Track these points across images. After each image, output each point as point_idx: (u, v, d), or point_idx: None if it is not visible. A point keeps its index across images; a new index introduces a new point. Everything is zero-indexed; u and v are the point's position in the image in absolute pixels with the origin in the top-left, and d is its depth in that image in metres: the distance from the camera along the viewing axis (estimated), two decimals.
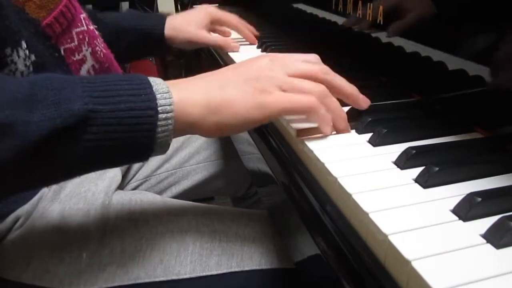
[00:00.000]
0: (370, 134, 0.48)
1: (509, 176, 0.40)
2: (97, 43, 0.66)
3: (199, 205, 0.66)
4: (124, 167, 0.82)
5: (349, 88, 0.50)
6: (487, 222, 0.33)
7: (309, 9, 0.88)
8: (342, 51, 0.77)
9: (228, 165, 0.94)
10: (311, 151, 0.45)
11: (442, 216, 0.35)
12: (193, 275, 0.57)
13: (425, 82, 0.58)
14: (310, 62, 0.50)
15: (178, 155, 0.91)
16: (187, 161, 0.91)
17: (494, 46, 0.46)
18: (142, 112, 0.40)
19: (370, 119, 0.49)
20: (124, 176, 0.83)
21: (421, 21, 0.57)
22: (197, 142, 0.93)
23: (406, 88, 0.60)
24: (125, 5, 2.10)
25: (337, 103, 0.48)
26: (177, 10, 1.71)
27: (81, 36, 0.62)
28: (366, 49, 0.70)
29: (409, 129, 0.48)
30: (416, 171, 0.40)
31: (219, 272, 0.58)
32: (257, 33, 0.91)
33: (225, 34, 0.92)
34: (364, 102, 0.51)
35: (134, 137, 0.40)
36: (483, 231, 0.32)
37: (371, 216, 0.35)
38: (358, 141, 0.48)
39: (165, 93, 0.41)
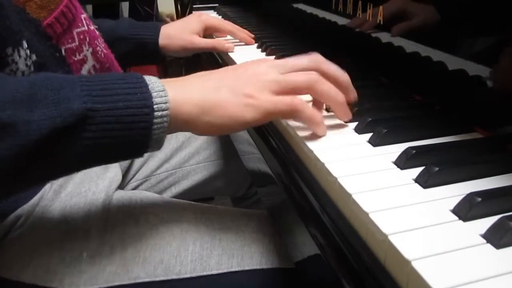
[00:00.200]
0: (370, 134, 0.48)
1: (509, 176, 0.40)
2: (97, 43, 0.66)
3: (199, 204, 0.66)
4: (124, 167, 0.82)
5: (342, 76, 0.51)
6: (487, 222, 0.33)
7: (309, 9, 0.88)
8: (342, 51, 0.77)
9: (228, 165, 0.94)
10: (311, 151, 0.45)
11: (442, 216, 0.35)
12: (194, 274, 0.57)
13: (425, 82, 0.58)
14: (302, 57, 0.50)
15: (178, 155, 0.91)
16: (187, 161, 0.91)
17: (494, 46, 0.46)
18: (138, 110, 0.41)
19: (370, 119, 0.49)
20: (124, 176, 0.83)
21: (421, 21, 0.57)
22: (197, 142, 0.93)
23: (406, 88, 0.60)
24: (125, 5, 2.10)
25: (333, 89, 0.48)
26: (177, 10, 1.71)
27: (82, 36, 0.62)
28: (366, 49, 0.70)
29: (409, 129, 0.48)
30: (416, 171, 0.40)
31: (220, 271, 0.58)
32: (252, 35, 0.92)
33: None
34: (353, 94, 0.51)
35: (131, 134, 0.41)
36: (483, 231, 0.33)
37: (371, 216, 0.35)
38: (358, 141, 0.48)
39: (161, 91, 0.43)
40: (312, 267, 0.43)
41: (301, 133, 0.49)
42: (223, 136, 0.94)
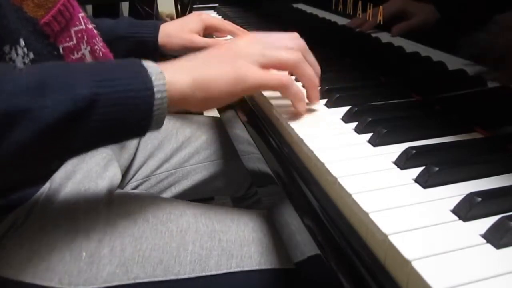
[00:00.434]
0: (370, 134, 0.48)
1: (509, 176, 0.40)
2: (95, 42, 0.66)
3: (198, 205, 0.66)
4: (124, 167, 0.82)
5: (317, 69, 0.56)
6: (487, 222, 0.33)
7: (309, 9, 0.88)
8: (342, 51, 0.77)
9: (228, 165, 0.94)
10: (311, 151, 0.45)
11: (442, 216, 0.35)
12: (193, 275, 0.57)
13: (425, 82, 0.58)
14: (288, 38, 0.56)
15: (178, 155, 0.91)
16: (187, 161, 0.91)
17: (494, 46, 0.46)
18: (141, 93, 0.45)
19: (370, 119, 0.49)
20: (124, 175, 0.83)
21: (421, 21, 0.57)
22: (197, 142, 0.93)
23: (406, 88, 0.60)
24: (125, 5, 2.10)
25: (312, 72, 0.54)
26: (177, 10, 1.71)
27: (79, 35, 0.62)
28: (366, 49, 0.70)
29: (409, 129, 0.48)
30: (416, 171, 0.40)
31: (219, 272, 0.58)
32: None
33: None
34: (316, 98, 0.56)
35: (135, 116, 0.45)
36: (483, 231, 0.32)
37: (371, 216, 0.35)
38: (358, 141, 0.48)
39: (159, 74, 0.46)
40: (312, 267, 0.43)
41: (301, 133, 0.49)
42: (223, 136, 0.94)
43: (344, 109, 0.54)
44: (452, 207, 0.35)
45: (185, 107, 0.50)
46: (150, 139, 0.89)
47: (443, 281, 0.28)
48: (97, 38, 0.67)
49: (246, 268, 0.59)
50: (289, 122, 0.52)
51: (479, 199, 0.34)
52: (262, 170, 0.56)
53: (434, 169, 0.39)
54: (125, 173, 0.84)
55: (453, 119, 0.51)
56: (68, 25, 0.60)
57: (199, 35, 0.89)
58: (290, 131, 0.51)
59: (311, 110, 0.56)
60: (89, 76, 0.43)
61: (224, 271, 0.58)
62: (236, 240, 0.60)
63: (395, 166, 0.42)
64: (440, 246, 0.31)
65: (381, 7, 0.62)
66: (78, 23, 0.62)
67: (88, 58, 0.64)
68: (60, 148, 0.44)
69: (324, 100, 0.58)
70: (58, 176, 0.63)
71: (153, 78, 0.45)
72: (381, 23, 0.62)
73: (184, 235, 0.59)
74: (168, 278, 0.56)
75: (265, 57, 0.52)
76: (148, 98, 0.45)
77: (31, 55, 0.53)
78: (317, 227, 0.40)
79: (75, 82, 0.42)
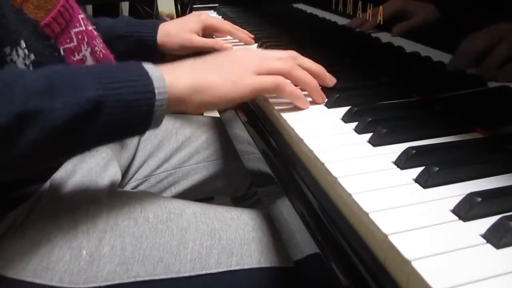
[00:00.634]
0: (370, 134, 0.48)
1: (509, 176, 0.40)
2: (96, 43, 0.66)
3: (198, 204, 0.66)
4: (124, 167, 0.82)
5: (317, 68, 0.59)
6: (487, 222, 0.33)
7: (309, 9, 0.88)
8: (342, 51, 0.77)
9: (228, 165, 0.94)
10: (311, 151, 0.45)
11: (442, 216, 0.35)
12: (193, 273, 0.57)
13: (425, 82, 0.58)
14: (281, 51, 0.59)
15: (178, 155, 0.91)
16: (187, 161, 0.91)
17: (494, 46, 0.46)
18: (143, 95, 0.47)
19: (370, 119, 0.49)
20: (124, 175, 0.83)
21: (421, 21, 0.57)
22: (197, 142, 0.93)
23: (406, 88, 0.60)
24: (125, 5, 2.10)
25: (307, 75, 0.57)
26: (177, 10, 1.71)
27: (80, 36, 0.62)
28: (366, 49, 0.70)
29: (409, 129, 0.48)
30: (416, 171, 0.40)
31: (219, 270, 0.58)
32: (252, 35, 0.92)
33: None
34: (331, 80, 0.60)
35: (137, 116, 0.48)
36: (483, 231, 0.32)
37: (371, 216, 0.35)
38: (358, 141, 0.48)
39: (159, 77, 0.49)
40: (312, 266, 0.43)
41: (301, 133, 0.49)
42: (223, 136, 0.94)
43: (344, 109, 0.54)
44: (452, 207, 0.35)
45: (183, 109, 0.53)
46: (150, 139, 0.89)
47: (443, 281, 0.28)
48: (97, 40, 0.67)
49: (246, 267, 0.59)
50: (289, 122, 0.52)
51: (479, 199, 0.34)
52: (262, 170, 0.56)
53: (434, 169, 0.39)
54: (125, 173, 0.84)
55: (453, 119, 0.51)
56: (68, 27, 0.60)
57: (198, 35, 0.89)
58: (290, 131, 0.51)
59: (311, 110, 0.56)
60: (95, 79, 0.45)
61: (224, 269, 0.58)
62: (236, 238, 0.60)
63: (395, 166, 0.42)
64: (440, 246, 0.31)
65: (381, 7, 0.62)
66: (78, 25, 0.62)
67: (89, 59, 0.64)
68: (68, 147, 0.47)
69: (325, 100, 0.58)
70: (58, 175, 0.63)
71: (154, 81, 0.48)
72: (381, 23, 0.62)
73: (184, 233, 0.59)
74: (168, 276, 0.56)
75: (260, 67, 0.55)
76: (149, 100, 0.47)
77: (32, 57, 0.53)
78: (317, 227, 0.40)
79: (83, 85, 0.44)
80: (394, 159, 0.43)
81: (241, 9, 1.26)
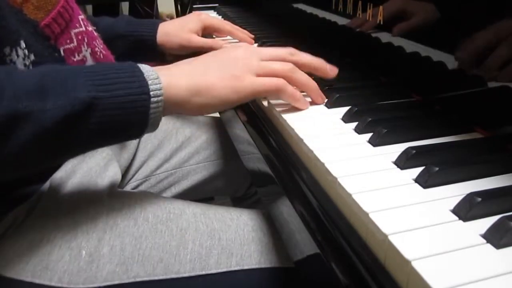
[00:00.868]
0: (370, 134, 0.48)
1: (509, 176, 0.40)
2: (96, 44, 0.66)
3: (198, 204, 0.66)
4: (124, 167, 0.82)
5: (316, 61, 0.58)
6: (487, 222, 0.33)
7: (309, 9, 0.88)
8: (342, 51, 0.77)
9: (228, 165, 0.94)
10: (311, 151, 0.45)
11: (442, 216, 0.35)
12: (193, 273, 0.57)
13: (425, 82, 0.58)
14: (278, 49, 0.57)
15: (178, 155, 0.91)
16: (186, 161, 0.91)
17: (494, 46, 0.46)
18: (137, 97, 0.46)
19: (370, 119, 0.49)
20: (124, 175, 0.83)
21: (421, 21, 0.57)
22: (197, 142, 0.93)
23: (406, 88, 0.60)
24: (125, 5, 2.10)
25: (306, 76, 0.56)
26: (177, 10, 1.71)
27: (80, 37, 0.62)
28: (366, 49, 0.70)
29: (409, 129, 0.48)
30: (416, 171, 0.40)
31: (219, 270, 0.58)
32: (252, 35, 0.92)
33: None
34: (332, 71, 0.59)
35: (131, 119, 0.47)
36: (483, 231, 0.32)
37: (371, 216, 0.35)
38: (358, 141, 0.48)
39: (155, 79, 0.48)
40: (312, 266, 0.43)
41: (301, 133, 0.49)
42: (223, 136, 0.94)
43: (344, 109, 0.54)
44: (452, 207, 0.35)
45: (181, 111, 0.52)
46: (150, 139, 0.89)
47: (443, 281, 0.28)
48: (97, 40, 0.68)
49: (246, 267, 0.59)
50: (289, 122, 0.52)
51: (479, 199, 0.34)
52: (262, 170, 0.56)
53: (434, 169, 0.39)
54: (125, 173, 0.84)
55: (453, 119, 0.51)
56: (68, 27, 0.60)
57: (198, 35, 0.89)
58: (290, 131, 0.51)
59: (311, 110, 0.56)
60: (88, 80, 0.44)
61: (224, 269, 0.58)
62: (236, 239, 0.60)
63: (395, 166, 0.42)
64: (440, 246, 0.31)
65: (381, 7, 0.62)
66: (78, 25, 0.62)
67: (89, 60, 0.64)
68: (60, 149, 0.45)
69: (324, 100, 0.58)
70: (58, 175, 0.63)
71: (149, 82, 0.47)
72: (381, 23, 0.62)
73: (184, 234, 0.59)
74: (168, 276, 0.56)
75: (260, 68, 0.54)
76: (144, 102, 0.46)
77: (32, 57, 0.53)
78: (317, 227, 0.40)
79: (75, 86, 0.43)
80: (394, 159, 0.43)
81: (241, 9, 1.26)
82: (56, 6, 0.58)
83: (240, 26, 0.95)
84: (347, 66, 0.73)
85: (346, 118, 0.53)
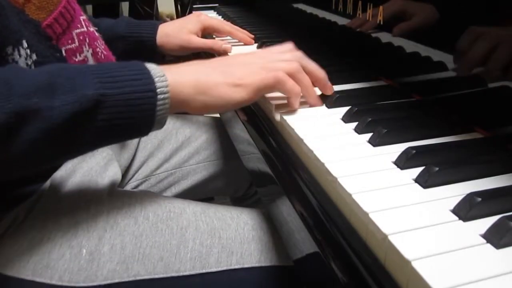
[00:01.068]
0: (370, 134, 0.48)
1: (509, 176, 0.40)
2: (97, 45, 0.67)
3: (198, 203, 0.66)
4: (124, 167, 0.82)
5: (320, 73, 0.58)
6: (487, 222, 0.33)
7: (309, 9, 0.88)
8: (342, 51, 0.77)
9: (228, 165, 0.94)
10: (311, 151, 0.45)
11: (442, 216, 0.35)
12: (193, 272, 0.57)
13: (425, 82, 0.58)
14: (286, 51, 0.58)
15: (178, 155, 0.91)
16: (186, 161, 0.91)
17: (494, 46, 0.46)
18: (143, 94, 0.47)
19: (370, 119, 0.49)
20: (124, 175, 0.83)
21: (421, 21, 0.57)
22: (196, 142, 0.93)
23: (406, 88, 0.60)
24: (125, 5, 2.10)
25: (308, 79, 0.56)
26: (177, 10, 1.71)
27: (81, 37, 0.62)
28: (366, 49, 0.70)
29: (409, 129, 0.48)
30: (416, 171, 0.40)
31: (219, 269, 0.58)
32: (252, 35, 0.92)
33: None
34: (330, 89, 0.58)
35: (138, 116, 0.47)
36: (483, 231, 0.32)
37: (371, 216, 0.35)
38: (358, 141, 0.48)
39: (161, 76, 0.48)
40: (311, 265, 0.44)
41: (301, 133, 0.49)
42: (223, 136, 0.94)
43: (344, 109, 0.54)
44: (452, 207, 0.35)
45: (187, 109, 0.52)
46: (150, 139, 0.89)
47: (443, 281, 0.28)
48: (99, 41, 0.68)
49: (246, 265, 0.59)
50: (289, 122, 0.52)
51: (479, 199, 0.34)
52: (262, 170, 0.56)
53: (434, 169, 0.39)
54: (125, 173, 0.84)
55: (453, 119, 0.51)
56: (70, 28, 0.60)
57: (198, 36, 0.89)
58: (290, 131, 0.51)
59: (311, 110, 0.56)
60: (95, 77, 0.45)
61: (224, 268, 0.58)
62: (236, 237, 0.60)
63: (395, 166, 0.42)
64: (440, 246, 0.31)
65: (381, 7, 0.62)
66: (79, 26, 0.63)
67: (90, 60, 0.64)
68: (67, 146, 0.46)
69: (324, 100, 0.58)
70: (59, 174, 0.63)
71: (156, 80, 0.47)
72: (381, 23, 0.62)
73: (184, 232, 0.59)
74: (168, 275, 0.56)
75: (264, 67, 0.54)
76: (150, 99, 0.47)
77: (34, 57, 0.54)
78: (316, 226, 0.40)
79: (83, 84, 0.44)
80: (394, 159, 0.43)
81: (241, 9, 1.26)
82: (58, 6, 0.58)
83: (240, 26, 0.95)
84: (347, 66, 0.73)
85: (346, 118, 0.53)
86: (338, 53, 0.78)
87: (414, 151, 0.42)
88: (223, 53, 0.84)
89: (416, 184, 0.39)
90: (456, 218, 0.34)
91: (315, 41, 0.86)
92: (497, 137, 0.47)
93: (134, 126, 0.48)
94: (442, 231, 0.33)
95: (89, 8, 1.88)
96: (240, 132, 0.67)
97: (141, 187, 0.88)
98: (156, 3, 2.03)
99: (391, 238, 0.32)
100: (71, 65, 0.47)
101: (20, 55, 0.52)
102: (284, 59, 0.56)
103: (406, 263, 0.30)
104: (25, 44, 0.52)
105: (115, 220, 0.58)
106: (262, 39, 0.89)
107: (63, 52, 0.59)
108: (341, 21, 0.75)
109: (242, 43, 0.91)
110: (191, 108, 0.52)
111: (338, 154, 0.44)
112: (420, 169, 0.40)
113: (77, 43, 0.61)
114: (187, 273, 0.57)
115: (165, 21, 0.92)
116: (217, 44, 0.86)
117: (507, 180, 0.39)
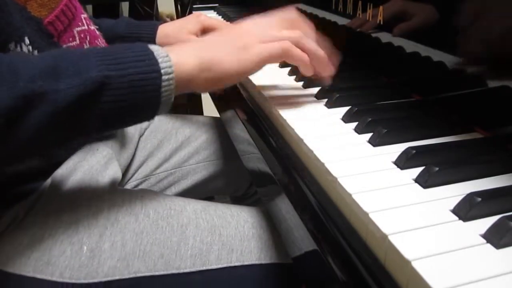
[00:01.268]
0: (370, 134, 0.48)
1: (509, 176, 0.40)
2: (98, 43, 0.67)
3: (199, 201, 0.67)
4: (124, 166, 0.82)
5: (320, 53, 0.56)
6: (487, 222, 0.33)
7: (309, 9, 0.88)
8: (342, 51, 0.77)
9: (228, 165, 0.94)
10: (311, 151, 0.45)
11: (442, 216, 0.35)
12: (193, 269, 0.57)
13: (425, 82, 0.58)
14: (287, 18, 0.57)
15: (178, 155, 0.91)
16: (186, 160, 0.91)
17: (494, 46, 0.46)
18: (147, 75, 0.46)
19: (370, 119, 0.49)
20: (124, 175, 0.83)
21: (422, 21, 0.57)
22: (196, 142, 0.93)
23: (406, 88, 0.60)
24: (125, 5, 2.10)
25: (315, 44, 0.55)
26: (177, 10, 1.71)
27: (82, 35, 0.63)
28: (366, 49, 0.70)
29: (409, 129, 0.48)
30: (416, 171, 0.40)
31: (219, 266, 0.58)
32: None
33: None
34: (330, 69, 0.57)
35: (143, 97, 0.47)
36: (483, 231, 0.32)
37: (371, 216, 0.35)
38: (358, 141, 0.48)
39: (165, 57, 0.48)
40: (310, 263, 0.44)
41: (301, 133, 0.49)
42: (223, 136, 0.94)
43: (344, 109, 0.54)
44: (452, 207, 0.35)
45: (192, 88, 0.52)
46: (150, 139, 0.89)
47: (443, 281, 0.28)
48: (99, 39, 0.68)
49: (246, 263, 0.59)
50: (289, 122, 0.52)
51: (479, 199, 0.34)
52: (262, 170, 0.56)
53: (434, 169, 0.39)
54: (125, 172, 0.84)
55: (453, 119, 0.51)
56: (71, 25, 0.61)
57: (197, 36, 0.89)
58: (290, 131, 0.51)
59: (311, 110, 0.56)
60: (99, 59, 0.45)
61: (225, 265, 0.58)
62: (236, 235, 0.60)
63: (395, 166, 0.42)
64: (440, 246, 0.31)
65: (381, 7, 0.62)
66: (80, 24, 0.63)
67: None
68: (74, 129, 0.46)
69: (324, 100, 0.58)
70: (59, 172, 0.63)
71: (159, 60, 0.47)
72: (381, 23, 0.62)
73: (185, 230, 0.59)
74: (169, 272, 0.57)
75: (267, 37, 0.53)
76: (155, 80, 0.47)
77: (36, 53, 0.54)
78: (316, 227, 0.40)
79: (87, 66, 0.44)
80: (394, 159, 0.43)
81: (241, 9, 1.26)
82: (59, 4, 0.59)
83: None
84: (347, 66, 0.73)
85: (346, 118, 0.53)
86: (338, 53, 0.77)
87: (414, 151, 0.42)
88: None
89: (416, 184, 0.39)
90: (456, 218, 0.34)
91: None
92: (497, 137, 0.47)
93: (139, 108, 0.48)
94: (442, 231, 0.33)
95: (89, 8, 1.88)
96: (240, 132, 0.67)
97: (141, 187, 0.88)
98: (156, 3, 2.02)
99: (391, 238, 0.32)
100: (75, 49, 0.47)
101: (22, 51, 0.52)
102: (283, 25, 0.56)
103: (406, 263, 0.30)
104: (27, 41, 0.53)
105: (116, 218, 0.59)
106: None
107: None
108: (341, 21, 0.75)
109: None
110: (197, 85, 0.51)
111: (338, 154, 0.44)
112: (420, 169, 0.40)
113: (78, 41, 0.62)
114: (187, 270, 0.57)
115: (165, 21, 0.92)
116: None
117: (507, 180, 0.39)
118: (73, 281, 0.54)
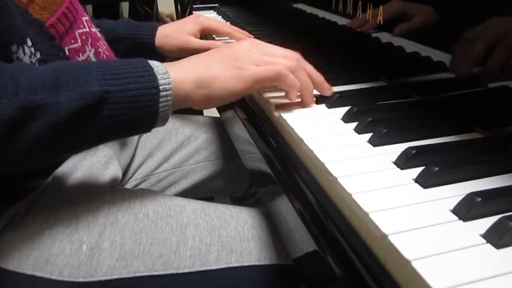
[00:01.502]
0: (370, 134, 0.48)
1: (509, 176, 0.40)
2: (99, 45, 0.67)
3: (198, 201, 0.67)
4: (124, 166, 0.82)
5: (318, 77, 0.58)
6: (487, 222, 0.33)
7: (309, 9, 0.88)
8: (342, 51, 0.77)
9: (227, 165, 0.94)
10: (311, 151, 0.45)
11: (442, 216, 0.35)
12: (193, 269, 0.57)
13: (425, 82, 0.58)
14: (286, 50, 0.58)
15: (178, 155, 0.91)
16: (186, 160, 0.91)
17: (494, 46, 0.46)
18: (147, 91, 0.48)
19: (370, 119, 0.49)
20: (124, 174, 0.83)
21: (421, 21, 0.57)
22: (196, 141, 0.93)
23: (406, 88, 0.60)
24: (125, 5, 2.10)
25: (307, 77, 0.56)
26: (177, 10, 1.71)
27: (84, 37, 0.63)
28: (366, 49, 0.70)
29: (409, 129, 0.48)
30: (416, 171, 0.40)
31: (218, 267, 0.58)
32: (252, 36, 0.92)
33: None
34: (329, 90, 0.59)
35: (141, 112, 0.48)
36: (483, 231, 0.33)
37: (371, 216, 0.35)
38: (358, 141, 0.48)
39: (164, 73, 0.49)
40: (310, 264, 0.44)
41: (301, 133, 0.49)
42: (223, 136, 0.94)
43: (344, 109, 0.54)
44: (452, 207, 0.35)
45: (189, 104, 0.53)
46: (150, 139, 0.89)
47: (443, 281, 0.28)
48: (101, 41, 0.68)
49: (245, 264, 0.59)
50: (289, 122, 0.52)
51: (479, 199, 0.34)
52: (262, 170, 0.56)
53: (434, 169, 0.39)
54: (124, 172, 0.84)
55: (453, 119, 0.51)
56: (72, 28, 0.61)
57: (196, 37, 0.89)
58: (290, 131, 0.51)
59: (311, 110, 0.56)
60: (99, 74, 0.46)
61: (224, 266, 0.58)
62: (235, 236, 0.60)
63: (395, 166, 0.42)
64: (440, 246, 0.31)
65: (381, 7, 0.62)
66: (82, 26, 0.64)
67: (93, 60, 0.65)
68: (72, 141, 0.47)
69: (324, 100, 0.58)
70: (60, 171, 0.63)
71: (158, 77, 0.49)
72: (381, 23, 0.62)
73: (184, 230, 0.59)
74: (168, 272, 0.57)
75: (263, 60, 0.55)
76: (153, 96, 0.48)
77: (38, 55, 0.55)
78: (316, 227, 0.40)
79: (87, 80, 0.45)
80: (394, 159, 0.43)
81: (241, 9, 1.26)
82: (61, 7, 0.59)
83: (240, 26, 0.95)
84: (347, 66, 0.73)
85: (346, 118, 0.53)
86: (338, 53, 0.78)
87: (414, 151, 0.42)
88: None
89: (416, 184, 0.39)
90: (456, 218, 0.34)
91: (315, 41, 0.86)
92: (497, 137, 0.47)
93: (137, 122, 0.49)
94: (442, 231, 0.33)
95: (89, 8, 1.88)
96: (240, 132, 0.67)
97: (141, 187, 0.88)
98: (156, 3, 2.02)
99: (391, 238, 0.32)
100: (76, 62, 0.49)
101: (24, 53, 0.53)
102: (284, 54, 0.57)
103: (406, 263, 0.30)
104: (29, 43, 0.53)
105: (115, 217, 0.59)
106: (262, 40, 0.89)
107: (66, 51, 0.60)
108: (341, 21, 0.75)
109: None
110: (194, 102, 0.53)
111: (338, 154, 0.44)
112: (420, 169, 0.40)
113: (79, 43, 0.62)
114: (186, 270, 0.57)
115: (165, 21, 0.92)
116: (216, 45, 0.86)
117: (507, 180, 0.39)
118: (72, 279, 0.54)
